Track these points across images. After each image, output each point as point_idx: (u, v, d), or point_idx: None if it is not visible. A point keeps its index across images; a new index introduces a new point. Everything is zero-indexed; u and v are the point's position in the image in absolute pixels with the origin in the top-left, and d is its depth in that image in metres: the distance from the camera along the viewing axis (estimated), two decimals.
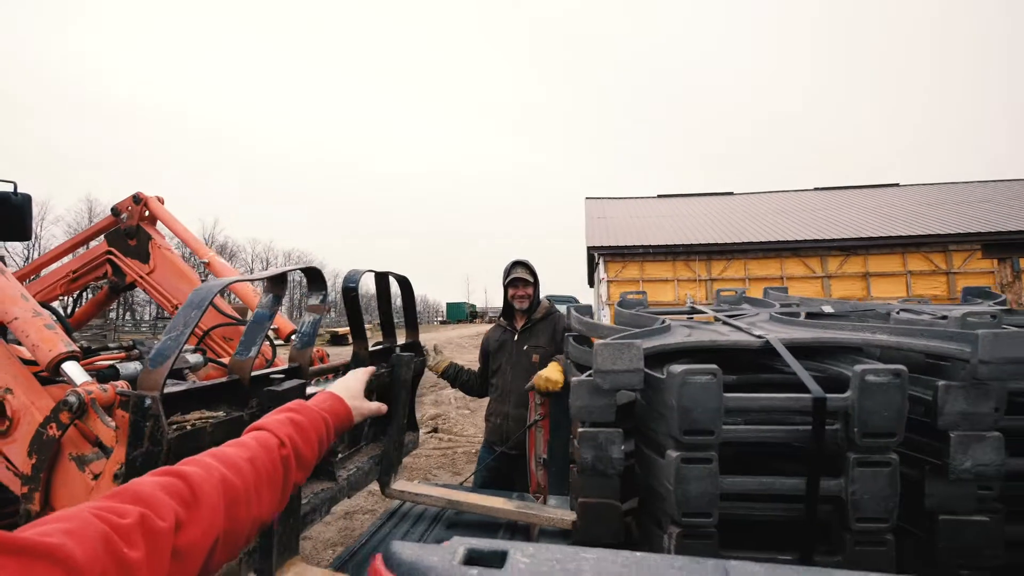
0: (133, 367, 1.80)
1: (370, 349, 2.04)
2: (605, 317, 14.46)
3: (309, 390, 1.56)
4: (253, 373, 1.43)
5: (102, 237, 3.07)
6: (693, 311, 1.84)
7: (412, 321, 2.13)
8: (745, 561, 0.45)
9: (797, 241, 14.18)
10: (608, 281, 15.56)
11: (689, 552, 1.05)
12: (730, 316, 1.58)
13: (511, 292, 2.66)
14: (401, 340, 2.19)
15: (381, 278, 2.54)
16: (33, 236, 3.45)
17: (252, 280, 2.71)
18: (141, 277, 3.03)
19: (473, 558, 0.57)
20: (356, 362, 1.74)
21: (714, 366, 0.98)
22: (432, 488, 1.71)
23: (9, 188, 3.29)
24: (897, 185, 18.44)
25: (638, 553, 0.62)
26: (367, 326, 3.32)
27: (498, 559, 0.66)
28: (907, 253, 13.79)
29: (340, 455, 1.68)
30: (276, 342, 3.23)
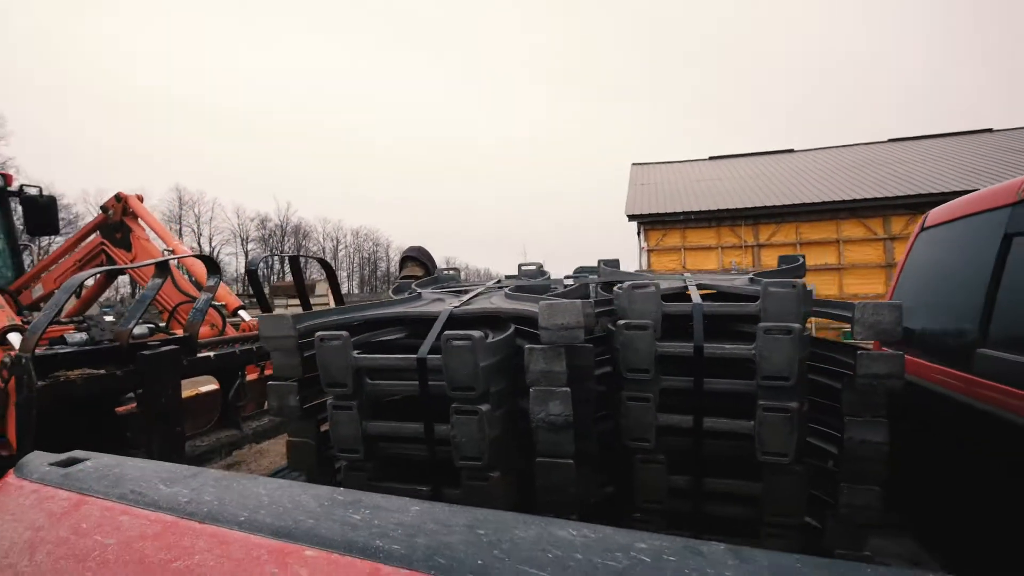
0: (79, 337, 2.28)
1: None
2: None
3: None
4: (132, 341, 1.90)
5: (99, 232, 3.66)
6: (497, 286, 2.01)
7: (338, 300, 2.58)
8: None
9: (856, 200, 12.97)
10: (648, 250, 15.16)
11: (351, 480, 1.30)
12: (481, 291, 1.74)
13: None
14: None
15: (293, 260, 2.96)
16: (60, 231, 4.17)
17: (124, 270, 3.22)
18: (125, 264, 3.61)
19: (62, 461, 0.86)
20: None
21: (344, 332, 1.20)
22: None
23: (35, 191, 3.97)
24: (991, 131, 16.11)
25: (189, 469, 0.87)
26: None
27: (78, 461, 0.96)
28: None
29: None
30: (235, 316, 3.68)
